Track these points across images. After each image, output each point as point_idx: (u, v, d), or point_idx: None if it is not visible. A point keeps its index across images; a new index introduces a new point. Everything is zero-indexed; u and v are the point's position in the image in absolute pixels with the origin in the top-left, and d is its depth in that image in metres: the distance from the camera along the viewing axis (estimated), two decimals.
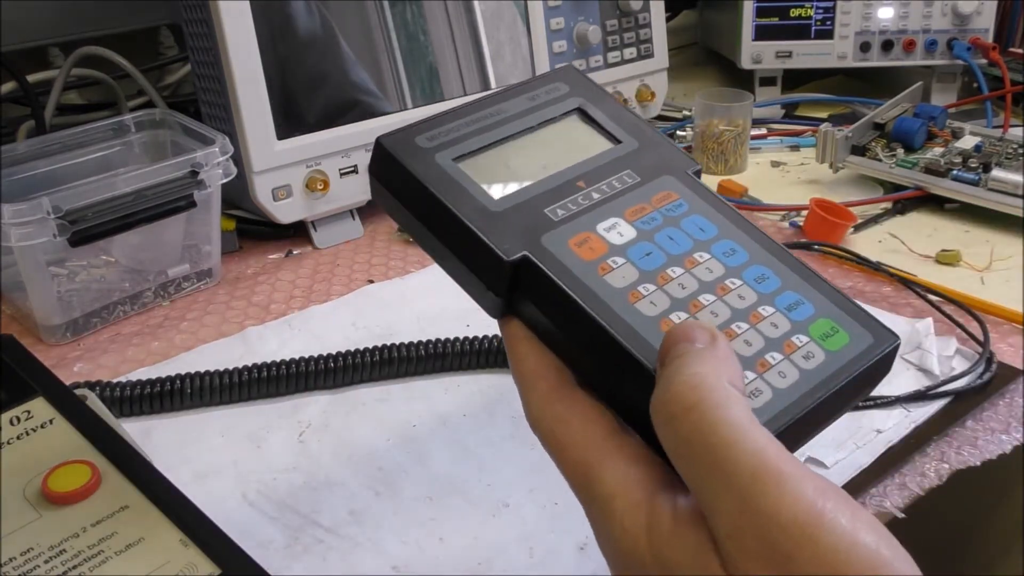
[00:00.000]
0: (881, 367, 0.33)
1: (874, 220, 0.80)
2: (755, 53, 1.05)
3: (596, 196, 0.34)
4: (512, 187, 0.33)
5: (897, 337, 0.33)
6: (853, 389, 0.32)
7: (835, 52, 1.04)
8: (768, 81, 1.08)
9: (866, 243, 0.76)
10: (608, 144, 0.36)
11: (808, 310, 0.32)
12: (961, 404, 0.56)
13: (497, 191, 0.33)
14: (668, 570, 0.26)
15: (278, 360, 0.58)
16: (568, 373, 0.32)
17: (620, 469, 0.28)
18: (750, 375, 0.30)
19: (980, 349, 0.60)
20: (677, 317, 0.31)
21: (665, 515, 0.27)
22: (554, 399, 0.31)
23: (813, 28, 1.04)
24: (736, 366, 0.29)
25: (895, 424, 0.54)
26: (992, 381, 0.57)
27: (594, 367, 0.31)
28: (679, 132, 0.98)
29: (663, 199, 0.34)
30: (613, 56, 0.91)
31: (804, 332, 0.32)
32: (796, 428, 0.30)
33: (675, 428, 0.26)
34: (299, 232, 0.79)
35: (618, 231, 0.33)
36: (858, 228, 0.78)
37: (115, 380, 0.57)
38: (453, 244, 0.33)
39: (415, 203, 0.33)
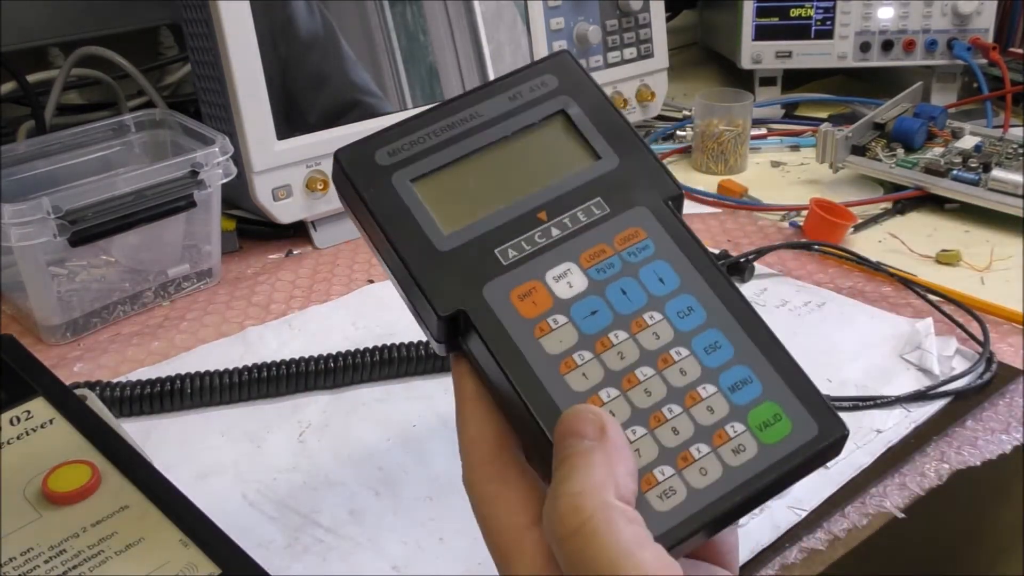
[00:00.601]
0: (819, 459, 0.30)
1: (874, 220, 0.80)
2: (755, 53, 1.05)
3: (556, 232, 0.31)
4: (467, 218, 0.31)
5: (846, 429, 0.30)
6: (778, 484, 0.29)
7: (835, 52, 1.04)
8: (768, 81, 1.08)
9: (866, 243, 0.76)
10: (586, 160, 0.33)
11: (754, 390, 0.30)
12: (961, 404, 0.56)
13: (449, 222, 0.31)
14: None
15: (278, 360, 0.58)
16: (508, 439, 0.31)
17: (534, 566, 0.28)
18: (668, 470, 0.28)
19: (980, 349, 0.60)
20: (607, 394, 0.29)
21: None
22: (487, 474, 0.30)
23: (813, 28, 1.04)
24: (627, 467, 0.27)
25: (895, 424, 0.54)
26: (992, 381, 0.57)
27: (521, 433, 0.30)
28: (679, 132, 0.98)
29: (628, 239, 0.31)
30: (613, 56, 0.91)
31: (742, 420, 0.29)
32: (706, 530, 0.29)
33: (562, 550, 0.26)
34: (299, 232, 0.79)
35: (567, 281, 0.31)
36: (858, 228, 0.78)
37: (115, 380, 0.57)
38: (399, 281, 0.31)
39: (367, 228, 0.32)
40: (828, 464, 0.50)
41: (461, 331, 0.31)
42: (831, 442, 0.29)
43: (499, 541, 0.29)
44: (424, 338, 0.34)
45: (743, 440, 0.29)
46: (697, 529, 0.28)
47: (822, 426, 0.29)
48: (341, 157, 0.32)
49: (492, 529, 0.30)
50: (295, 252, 0.78)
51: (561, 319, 0.30)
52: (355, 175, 0.32)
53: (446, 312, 0.30)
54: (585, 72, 0.35)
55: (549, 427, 0.28)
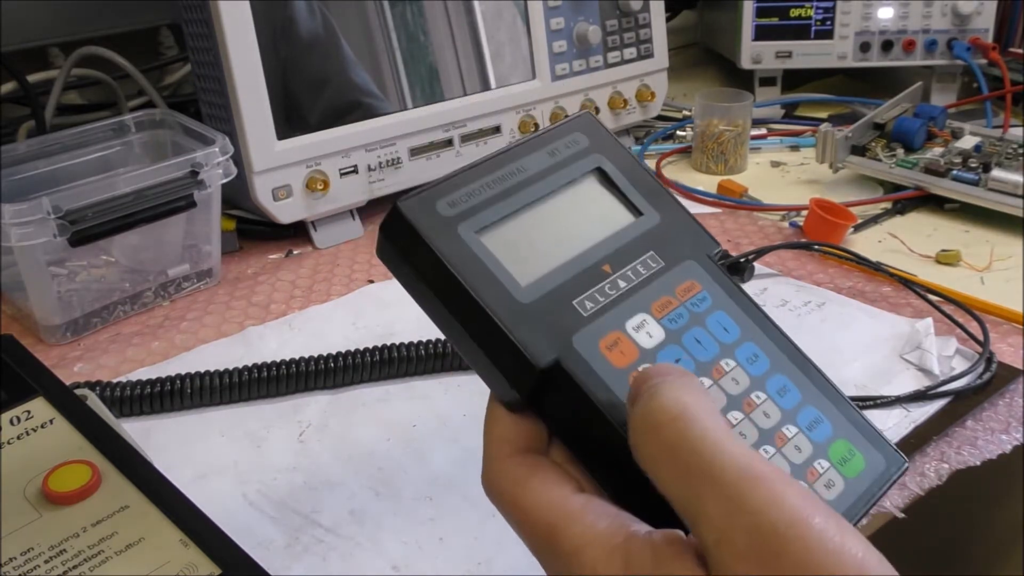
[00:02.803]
0: (888, 490, 0.33)
1: (874, 220, 0.80)
2: (755, 53, 1.05)
3: (623, 284, 0.32)
4: (539, 270, 0.32)
5: (906, 460, 0.33)
6: (863, 517, 0.31)
7: (835, 52, 1.04)
8: (768, 81, 1.08)
9: (866, 243, 0.76)
10: (630, 216, 0.34)
11: (827, 430, 0.32)
12: (961, 404, 0.56)
13: (524, 275, 0.31)
14: None
15: (278, 360, 0.58)
16: (538, 441, 0.31)
17: (587, 524, 0.27)
18: None
19: (980, 349, 0.60)
20: None
21: (645, 554, 0.26)
22: (515, 462, 0.30)
23: (813, 28, 1.04)
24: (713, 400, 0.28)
25: (895, 424, 0.54)
26: (992, 381, 0.57)
27: (613, 477, 0.30)
28: (679, 132, 0.98)
29: (687, 290, 0.33)
30: (613, 56, 0.91)
31: (824, 456, 0.31)
32: None
33: (660, 436, 0.26)
34: (299, 232, 0.79)
35: (647, 331, 0.32)
36: (858, 228, 0.78)
37: (115, 380, 0.57)
38: (479, 335, 0.31)
39: (437, 281, 0.31)
40: None
41: (548, 387, 0.30)
42: (898, 475, 0.32)
43: (542, 518, 0.28)
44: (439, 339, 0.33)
45: (831, 476, 0.31)
46: None
47: (887, 459, 0.32)
48: (404, 208, 0.31)
49: (530, 507, 0.28)
50: (295, 252, 0.78)
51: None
52: (424, 226, 0.31)
53: (546, 364, 0.30)
54: (608, 132, 0.37)
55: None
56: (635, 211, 0.35)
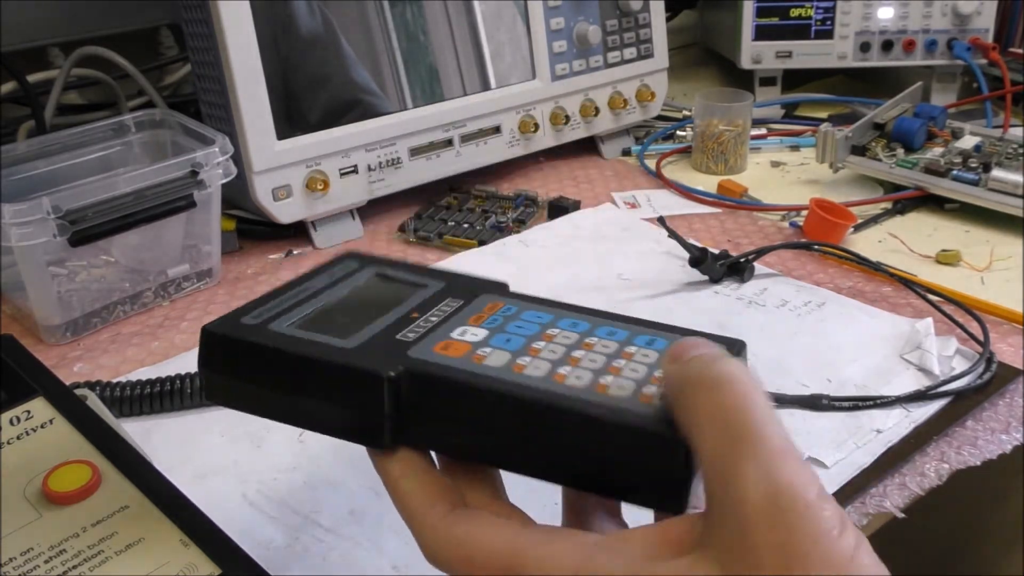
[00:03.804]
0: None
1: (874, 220, 0.80)
2: (755, 53, 1.05)
3: (434, 319, 0.35)
4: (354, 332, 0.34)
5: (743, 342, 0.34)
6: None
7: (835, 52, 1.04)
8: (768, 81, 1.08)
9: (866, 243, 0.76)
10: (419, 289, 0.38)
11: (663, 343, 0.34)
12: (961, 404, 0.56)
13: (342, 339, 0.33)
14: None
15: None
16: (454, 491, 0.32)
17: (553, 543, 0.28)
18: (652, 388, 0.31)
19: (980, 349, 0.60)
20: (565, 370, 0.32)
21: (615, 559, 0.27)
22: (449, 523, 0.30)
23: (813, 28, 1.04)
24: None
25: (895, 424, 0.54)
26: (992, 381, 0.57)
27: (514, 438, 0.31)
28: (679, 132, 0.98)
29: (492, 308, 0.36)
30: (613, 56, 0.91)
31: None
32: None
33: (715, 395, 0.27)
34: (299, 232, 0.79)
35: (471, 333, 0.34)
36: (858, 228, 0.78)
37: (115, 380, 0.57)
38: (321, 390, 0.32)
39: (263, 373, 0.33)
40: (828, 464, 0.51)
41: (406, 404, 0.32)
42: (741, 352, 0.34)
43: (505, 554, 0.29)
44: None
45: None
46: None
47: (727, 344, 0.33)
48: (212, 327, 0.34)
49: (490, 553, 0.29)
50: (295, 252, 0.78)
51: (488, 349, 0.33)
52: (236, 332, 0.34)
53: (392, 371, 0.31)
54: (373, 255, 0.40)
55: (535, 397, 0.30)
56: (421, 286, 0.38)
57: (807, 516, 0.25)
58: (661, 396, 0.30)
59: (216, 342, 0.34)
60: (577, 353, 0.33)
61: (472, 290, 0.37)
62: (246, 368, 0.34)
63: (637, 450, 0.29)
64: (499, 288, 0.38)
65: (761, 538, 0.25)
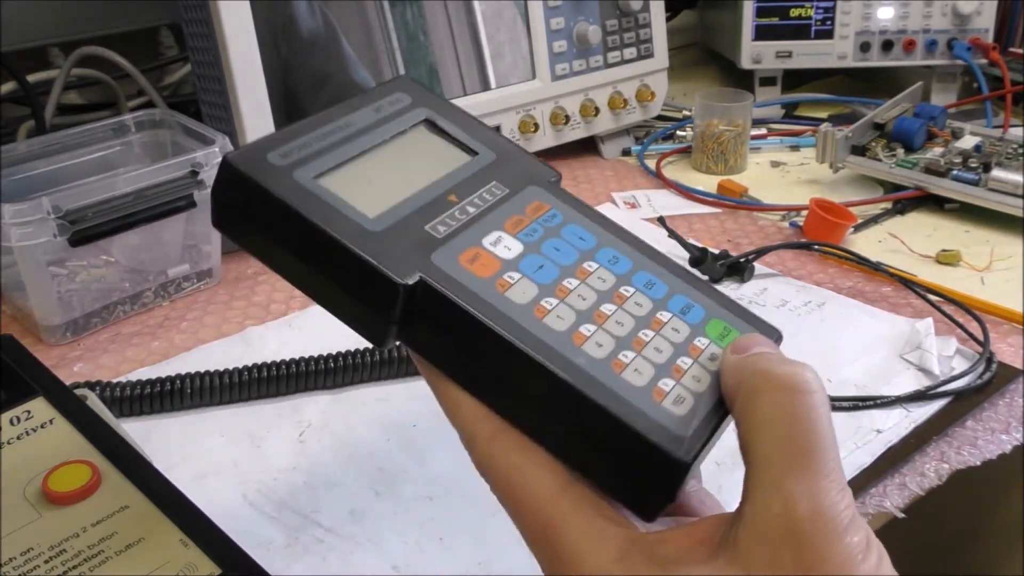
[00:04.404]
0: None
1: (874, 220, 0.80)
2: (755, 53, 1.05)
3: (471, 210, 0.32)
4: (384, 204, 0.31)
5: (779, 331, 0.33)
6: None
7: (835, 52, 1.04)
8: (768, 81, 1.08)
9: (866, 243, 0.76)
10: (465, 156, 0.35)
11: (699, 312, 0.33)
12: (961, 404, 0.56)
13: (370, 209, 0.31)
14: None
15: (278, 360, 0.58)
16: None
17: (583, 524, 0.28)
18: (670, 382, 0.30)
19: (980, 349, 0.60)
20: (587, 330, 0.30)
21: (645, 561, 0.27)
22: (504, 445, 0.29)
23: (813, 28, 1.04)
24: None
25: (895, 424, 0.54)
26: (992, 381, 0.57)
27: (511, 393, 0.30)
28: (679, 132, 0.98)
29: (537, 209, 0.33)
30: (613, 56, 0.91)
31: (703, 334, 0.32)
32: (717, 435, 0.30)
33: (791, 400, 0.27)
34: None
35: (504, 245, 0.32)
36: (858, 228, 0.78)
37: (115, 380, 0.57)
38: (333, 272, 0.30)
39: (280, 230, 0.30)
40: None
41: (416, 312, 0.30)
42: (775, 339, 0.33)
43: (539, 510, 0.28)
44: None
45: (713, 350, 0.32)
46: (715, 428, 0.29)
47: (764, 331, 0.33)
48: (233, 159, 0.30)
49: (526, 497, 0.29)
50: None
51: (516, 275, 0.31)
52: (257, 174, 0.30)
53: (410, 280, 0.29)
54: (431, 91, 0.37)
55: (556, 364, 0.29)
56: (470, 151, 0.35)
57: (838, 542, 0.25)
58: (677, 399, 0.29)
59: (234, 178, 0.30)
60: (605, 308, 0.31)
61: (522, 176, 0.34)
62: (260, 216, 0.30)
63: (636, 456, 0.28)
64: (550, 180, 0.35)
65: (792, 556, 0.25)
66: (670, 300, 0.32)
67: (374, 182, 0.32)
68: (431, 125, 0.35)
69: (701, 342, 0.32)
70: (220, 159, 0.66)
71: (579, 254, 0.32)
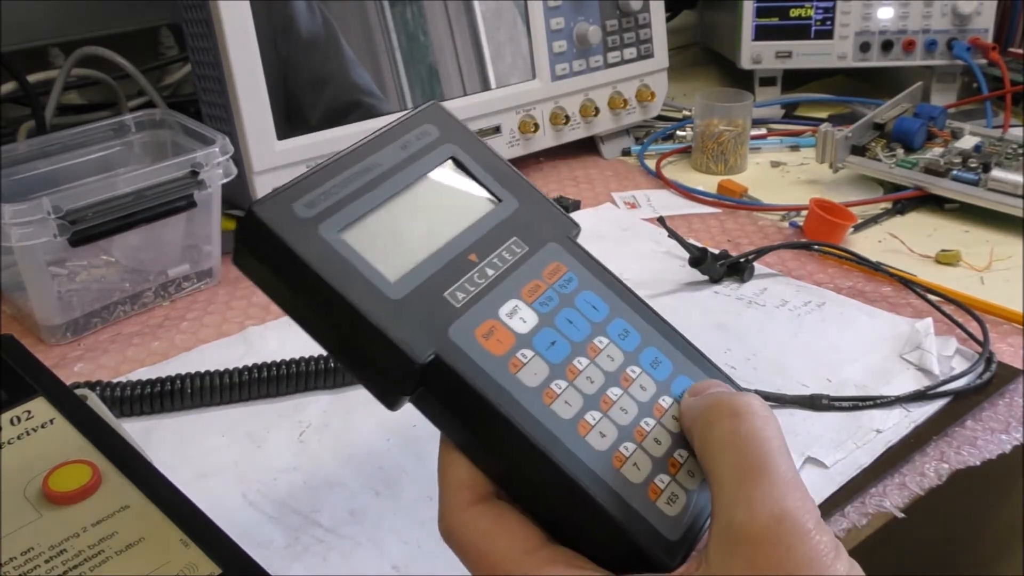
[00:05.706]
0: None
1: (874, 220, 0.80)
2: (755, 53, 1.05)
3: (491, 272, 0.33)
4: (406, 263, 0.31)
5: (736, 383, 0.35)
6: None
7: (835, 52, 1.04)
8: (768, 81, 1.08)
9: (866, 243, 0.76)
10: (489, 204, 0.35)
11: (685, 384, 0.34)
12: (961, 404, 0.56)
13: (392, 270, 0.31)
14: None
15: (278, 360, 0.58)
16: (490, 487, 0.31)
17: (561, 572, 0.28)
18: (665, 478, 0.31)
19: (980, 349, 0.60)
20: (592, 417, 0.31)
21: None
22: (478, 512, 0.30)
23: (813, 28, 1.04)
24: None
25: (895, 424, 0.54)
26: (992, 381, 0.57)
27: (511, 472, 0.30)
28: (679, 132, 0.98)
29: (554, 273, 0.34)
30: (613, 56, 0.91)
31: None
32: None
33: (733, 424, 0.29)
34: None
35: (520, 316, 0.32)
36: (858, 228, 0.78)
37: (115, 380, 0.57)
38: (354, 338, 0.30)
39: (302, 287, 0.30)
40: (828, 464, 0.51)
41: (429, 384, 0.30)
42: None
43: (510, 566, 0.29)
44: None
45: None
46: (703, 527, 0.30)
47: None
48: (261, 212, 0.30)
49: (499, 561, 0.29)
50: None
51: (528, 353, 0.31)
52: (282, 229, 0.30)
53: (425, 358, 0.29)
54: (458, 121, 0.36)
55: (558, 455, 0.29)
56: (494, 198, 0.35)
57: (806, 540, 0.26)
58: (670, 498, 0.30)
59: (259, 229, 0.30)
60: (612, 392, 0.32)
61: (542, 231, 0.35)
62: (283, 270, 0.31)
63: (624, 553, 0.29)
64: (567, 236, 0.35)
65: (763, 555, 0.26)
66: (674, 381, 0.33)
67: (398, 235, 0.32)
68: (457, 164, 0.35)
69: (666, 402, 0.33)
70: (220, 159, 0.67)
71: (591, 328, 0.33)
